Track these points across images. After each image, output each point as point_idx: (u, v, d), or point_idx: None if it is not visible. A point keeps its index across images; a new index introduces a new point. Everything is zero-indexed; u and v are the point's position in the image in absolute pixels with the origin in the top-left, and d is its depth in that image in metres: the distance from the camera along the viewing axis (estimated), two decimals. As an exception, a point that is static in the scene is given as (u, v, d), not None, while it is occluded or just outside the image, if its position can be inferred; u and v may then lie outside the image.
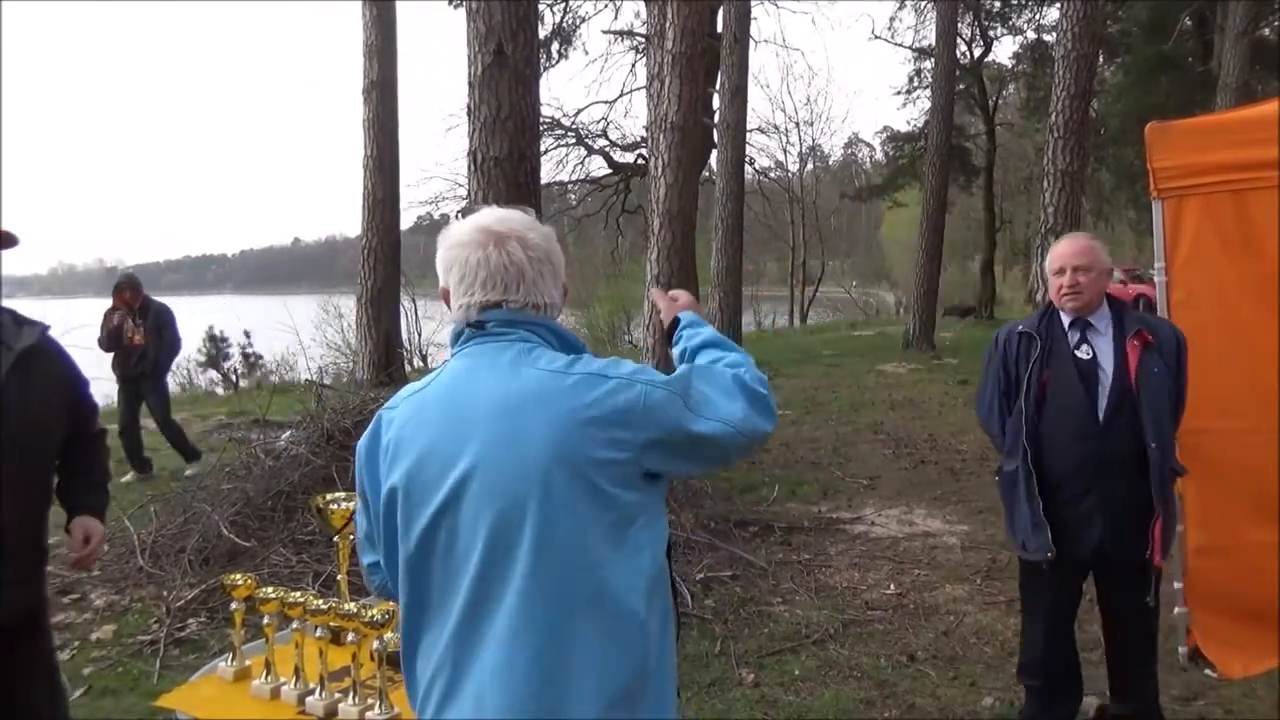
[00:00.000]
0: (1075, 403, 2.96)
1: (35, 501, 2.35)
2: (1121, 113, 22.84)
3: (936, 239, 17.93)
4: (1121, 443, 2.94)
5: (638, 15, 21.83)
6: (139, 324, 7.64)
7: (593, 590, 1.43)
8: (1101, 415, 2.94)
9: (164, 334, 7.78)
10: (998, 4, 26.05)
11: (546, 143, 21.64)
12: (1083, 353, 3.00)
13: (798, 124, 35.32)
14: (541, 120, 11.30)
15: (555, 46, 20.37)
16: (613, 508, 1.45)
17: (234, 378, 19.67)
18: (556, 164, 23.22)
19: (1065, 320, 3.06)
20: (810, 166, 36.85)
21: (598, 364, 1.52)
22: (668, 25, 8.73)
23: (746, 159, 19.76)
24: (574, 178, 24.20)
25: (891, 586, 4.95)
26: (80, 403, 2.57)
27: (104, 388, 9.13)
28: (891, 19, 42.44)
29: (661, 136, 8.68)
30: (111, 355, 7.73)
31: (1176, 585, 3.83)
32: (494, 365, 1.50)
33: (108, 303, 7.80)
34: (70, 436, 2.49)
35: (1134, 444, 2.94)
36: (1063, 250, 3.07)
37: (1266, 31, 18.82)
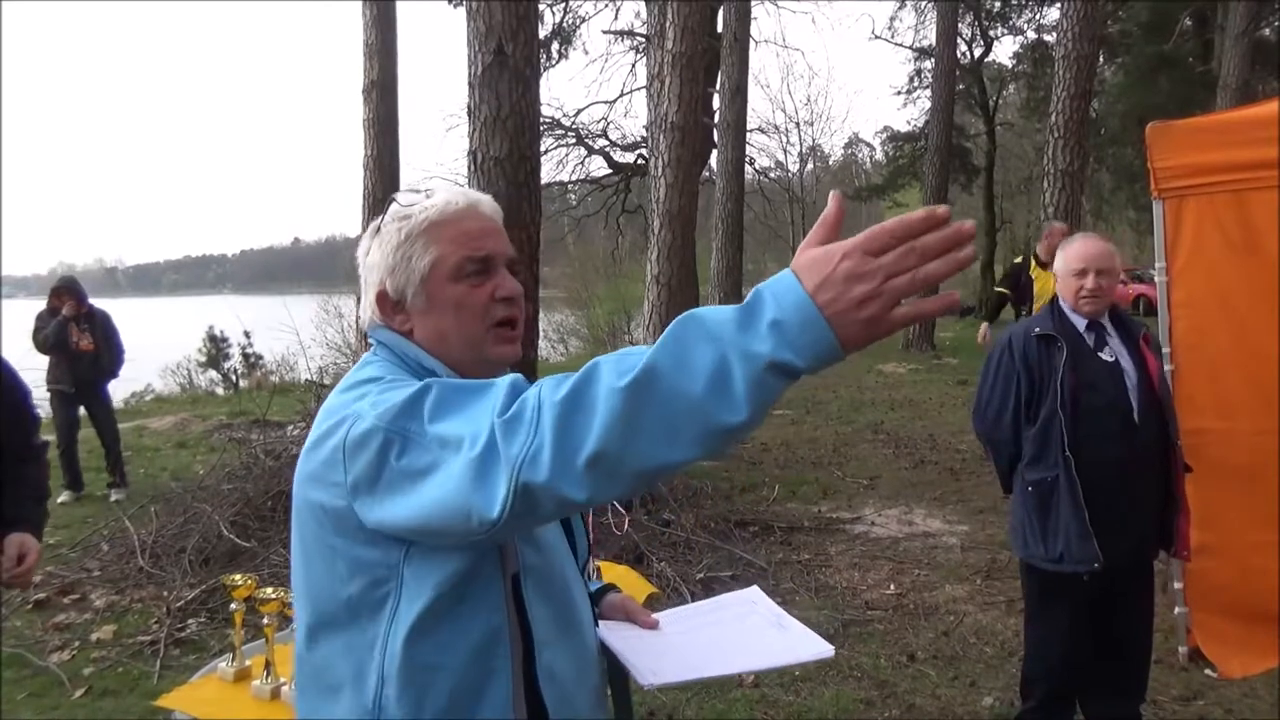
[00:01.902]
0: (1111, 406, 2.90)
1: None
2: (1121, 113, 22.85)
3: (936, 239, 17.90)
4: (1153, 443, 2.93)
5: (638, 15, 21.85)
6: (84, 329, 7.32)
7: (320, 642, 1.23)
8: (1136, 416, 2.91)
9: (111, 342, 7.48)
10: (998, 4, 26.05)
11: (547, 143, 21.64)
12: (1106, 354, 2.96)
13: (798, 124, 35.27)
14: (542, 120, 11.29)
15: (555, 46, 20.36)
16: (340, 559, 1.17)
17: (234, 378, 19.66)
18: (557, 164, 23.22)
19: (1080, 322, 2.99)
20: (810, 166, 36.81)
21: (372, 388, 1.18)
22: (668, 25, 8.73)
23: (746, 159, 19.77)
24: (574, 178, 24.20)
25: (891, 586, 4.95)
26: (23, 414, 2.49)
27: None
28: (892, 19, 42.38)
29: (661, 136, 8.68)
30: (50, 361, 7.36)
31: (1176, 585, 3.83)
32: None
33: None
34: (10, 449, 2.40)
35: (1161, 443, 2.94)
36: (1086, 251, 2.95)
37: (1266, 31, 18.81)
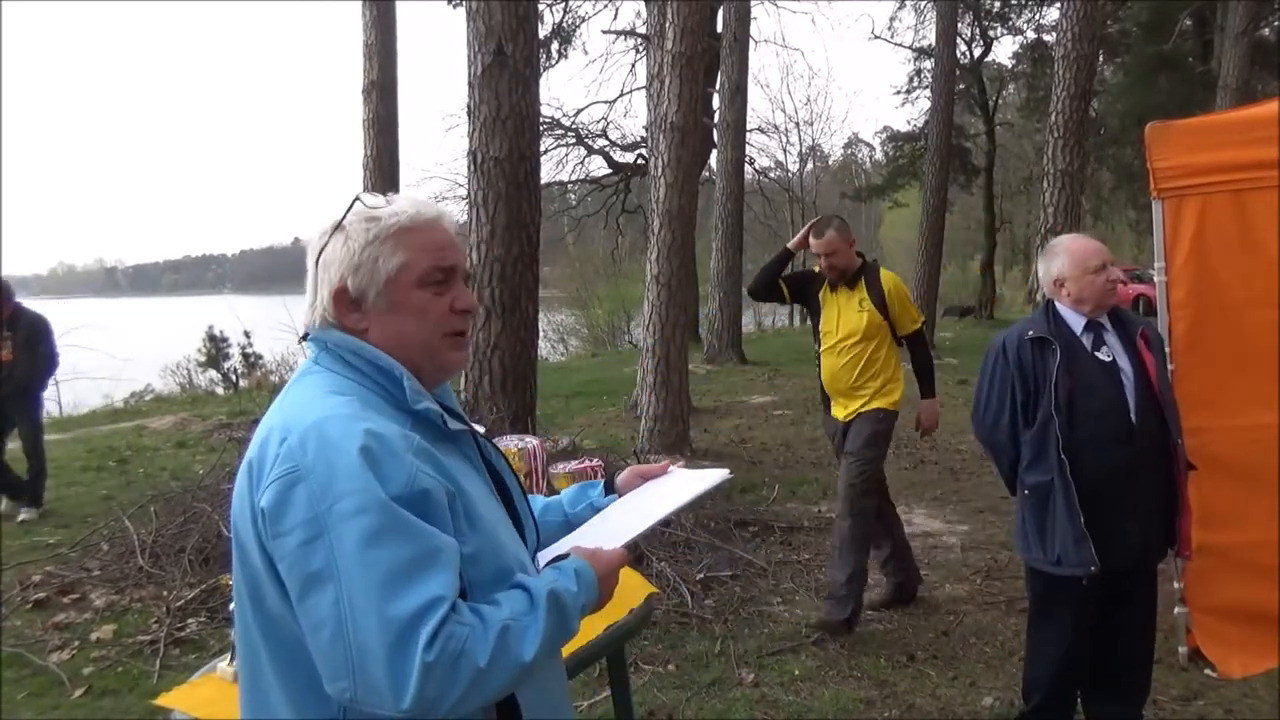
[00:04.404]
0: (1109, 407, 2.89)
1: None
2: (1121, 113, 22.89)
3: (936, 239, 17.96)
4: (1152, 442, 2.91)
5: (638, 15, 21.85)
6: (7, 336, 6.58)
7: (266, 648, 1.27)
8: (1134, 416, 2.90)
9: (37, 349, 6.73)
10: (997, 4, 26.07)
11: (546, 143, 21.65)
12: (1103, 355, 2.94)
13: (797, 124, 35.26)
14: (541, 120, 11.29)
15: (555, 46, 20.37)
16: (273, 586, 1.21)
17: (234, 378, 19.66)
18: (556, 164, 23.25)
19: (1077, 322, 2.97)
20: (810, 166, 36.78)
21: (315, 417, 1.20)
22: (668, 25, 8.73)
23: (746, 159, 19.79)
24: (574, 178, 24.22)
25: (891, 586, 4.95)
26: None
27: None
28: (891, 19, 42.45)
29: (661, 136, 8.68)
30: None
31: (1176, 585, 3.84)
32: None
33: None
34: None
35: (1161, 443, 2.93)
36: (1095, 246, 2.99)
37: (1266, 31, 18.83)
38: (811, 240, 4.47)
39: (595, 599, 1.32)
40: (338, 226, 1.31)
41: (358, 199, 1.33)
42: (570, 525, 1.63)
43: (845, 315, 4.40)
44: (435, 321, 1.33)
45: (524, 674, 1.18)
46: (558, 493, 3.14)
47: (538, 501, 1.68)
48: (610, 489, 1.69)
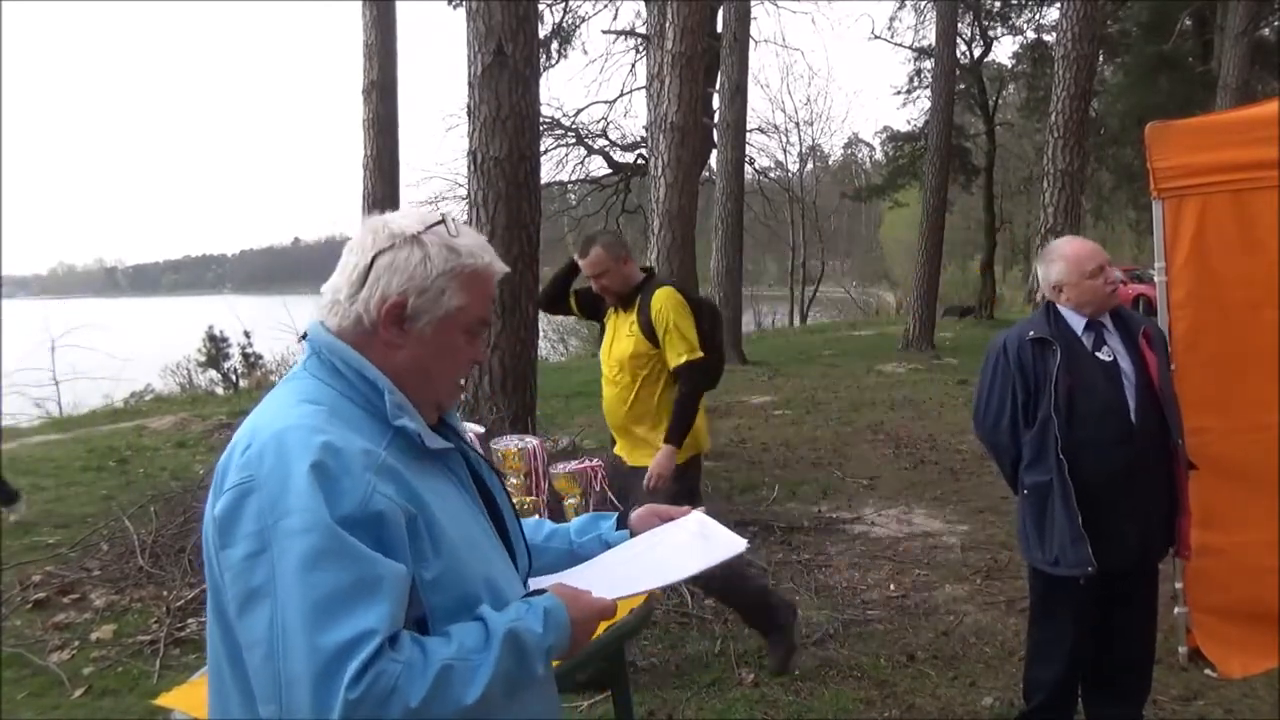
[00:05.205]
0: (1109, 407, 2.89)
1: None
2: (1121, 113, 22.88)
3: (936, 239, 17.96)
4: (1153, 443, 2.91)
5: (638, 15, 21.79)
6: None
7: (227, 656, 1.25)
8: (1134, 417, 2.90)
9: None
10: (998, 4, 26.07)
11: (546, 143, 21.62)
12: (1104, 354, 2.94)
13: (797, 124, 35.22)
14: (541, 120, 11.29)
15: (555, 46, 20.35)
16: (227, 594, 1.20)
17: (234, 378, 19.67)
18: (556, 164, 23.21)
19: (1078, 323, 2.97)
20: (810, 166, 36.87)
21: (274, 431, 1.19)
22: (668, 25, 8.74)
23: (746, 159, 19.81)
24: (574, 178, 24.19)
25: (891, 586, 4.95)
26: None
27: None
28: (891, 19, 42.36)
29: (661, 136, 8.69)
30: None
31: (1177, 585, 3.84)
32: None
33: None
34: None
35: (1162, 443, 2.93)
36: (1090, 249, 2.99)
37: (1266, 31, 18.83)
38: (579, 260, 3.89)
39: (565, 642, 1.27)
40: (416, 238, 1.28)
41: (444, 219, 1.31)
42: (574, 554, 1.59)
43: (617, 341, 3.85)
44: (459, 368, 1.36)
45: (466, 714, 1.14)
46: (558, 493, 3.15)
47: (544, 526, 1.65)
48: (623, 523, 1.63)
